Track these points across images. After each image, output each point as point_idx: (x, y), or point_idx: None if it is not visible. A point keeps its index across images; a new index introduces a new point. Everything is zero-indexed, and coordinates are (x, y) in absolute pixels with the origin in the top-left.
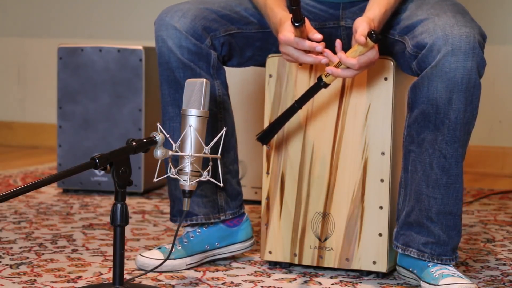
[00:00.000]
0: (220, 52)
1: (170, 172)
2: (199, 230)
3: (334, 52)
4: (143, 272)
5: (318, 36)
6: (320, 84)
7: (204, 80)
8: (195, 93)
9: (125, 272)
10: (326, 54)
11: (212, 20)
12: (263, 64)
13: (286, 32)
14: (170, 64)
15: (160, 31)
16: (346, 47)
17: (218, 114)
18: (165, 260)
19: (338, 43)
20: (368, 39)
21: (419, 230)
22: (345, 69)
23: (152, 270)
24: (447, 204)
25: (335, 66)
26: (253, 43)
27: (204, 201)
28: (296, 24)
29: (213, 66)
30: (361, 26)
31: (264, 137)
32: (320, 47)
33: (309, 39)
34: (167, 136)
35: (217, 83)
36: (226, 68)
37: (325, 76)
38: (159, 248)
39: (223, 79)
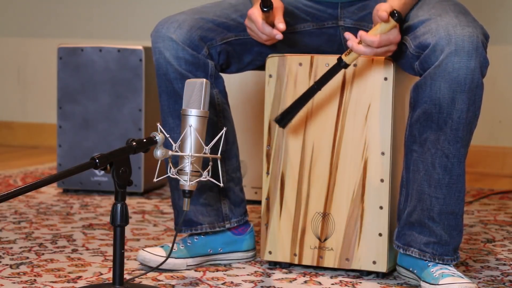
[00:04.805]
0: (218, 61)
1: (170, 172)
2: (204, 234)
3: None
4: (143, 272)
5: (281, 26)
6: (340, 65)
7: (204, 80)
8: (195, 93)
9: (125, 272)
10: (348, 36)
11: (208, 30)
12: (262, 68)
13: (256, 10)
14: (168, 75)
15: (157, 43)
16: (345, 48)
17: (218, 123)
18: (166, 258)
19: (347, 33)
20: (390, 17)
21: (420, 230)
22: (366, 47)
23: (154, 269)
24: (449, 204)
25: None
26: (251, 48)
27: (208, 209)
28: (264, 9)
29: (211, 75)
30: (384, 5)
31: (282, 119)
32: (280, 35)
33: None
34: (167, 136)
35: (215, 92)
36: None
37: (345, 55)
38: (162, 246)
39: (222, 88)
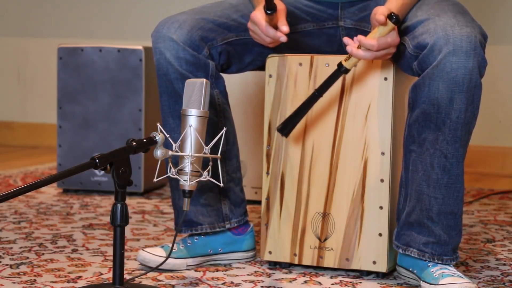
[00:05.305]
0: (218, 61)
1: (170, 172)
2: (204, 234)
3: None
4: (143, 272)
5: (285, 29)
6: (340, 70)
7: (204, 80)
8: (195, 93)
9: (125, 272)
10: (346, 41)
11: (208, 30)
12: (262, 68)
13: (259, 13)
14: (168, 76)
15: (157, 43)
16: (344, 50)
17: (218, 123)
18: (166, 258)
19: (346, 38)
20: (388, 20)
21: (420, 230)
22: (365, 51)
23: (154, 269)
24: (448, 204)
25: None
26: (252, 48)
27: (208, 210)
28: (267, 12)
29: (211, 76)
30: (381, 8)
31: (284, 127)
32: (284, 38)
33: (277, 27)
34: (167, 136)
35: (216, 92)
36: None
37: (345, 60)
38: (162, 247)
39: (222, 88)
